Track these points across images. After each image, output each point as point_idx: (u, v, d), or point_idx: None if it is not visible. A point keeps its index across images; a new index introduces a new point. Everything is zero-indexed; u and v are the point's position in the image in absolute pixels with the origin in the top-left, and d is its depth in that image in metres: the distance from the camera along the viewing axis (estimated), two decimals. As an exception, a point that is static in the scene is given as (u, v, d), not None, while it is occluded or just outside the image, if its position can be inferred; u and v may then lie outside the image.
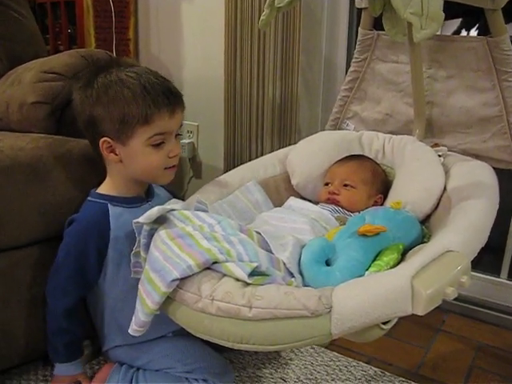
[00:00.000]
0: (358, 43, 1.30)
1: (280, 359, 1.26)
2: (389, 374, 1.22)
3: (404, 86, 1.26)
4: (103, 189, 1.07)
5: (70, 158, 1.13)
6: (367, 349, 1.32)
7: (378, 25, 1.21)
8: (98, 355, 1.21)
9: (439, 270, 0.70)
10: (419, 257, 0.72)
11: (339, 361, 1.27)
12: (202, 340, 1.01)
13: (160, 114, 0.95)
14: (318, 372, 1.22)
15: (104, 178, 1.08)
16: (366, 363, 1.26)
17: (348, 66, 1.41)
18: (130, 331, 0.80)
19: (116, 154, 1.00)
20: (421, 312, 0.65)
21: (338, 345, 1.32)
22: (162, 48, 1.93)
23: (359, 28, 1.29)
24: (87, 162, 1.14)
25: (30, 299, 1.10)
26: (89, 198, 1.06)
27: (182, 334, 1.07)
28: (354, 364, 1.26)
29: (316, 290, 0.70)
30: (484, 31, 1.13)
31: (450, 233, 0.79)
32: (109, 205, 1.03)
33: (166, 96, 0.96)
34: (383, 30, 1.13)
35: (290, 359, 1.26)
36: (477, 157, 1.13)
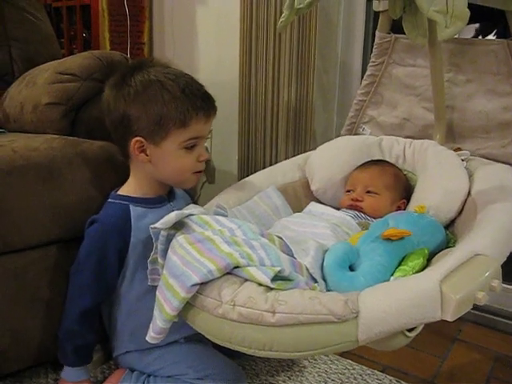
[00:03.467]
0: (375, 46, 1.29)
1: (294, 366, 1.24)
2: (404, 382, 1.20)
3: (422, 90, 1.25)
4: (124, 190, 1.06)
5: (83, 159, 1.12)
6: (382, 357, 1.29)
7: (395, 28, 1.21)
8: (109, 360, 1.19)
9: (468, 273, 0.67)
10: (447, 261, 0.70)
11: (354, 369, 1.24)
12: (214, 346, 1.01)
13: (198, 118, 0.96)
14: (333, 380, 1.20)
15: (119, 179, 1.07)
16: (381, 372, 1.24)
17: (364, 70, 1.41)
18: (147, 338, 0.79)
19: (146, 155, 0.99)
20: (450, 318, 0.63)
21: (353, 353, 1.29)
22: (177, 52, 1.93)
23: (376, 31, 1.28)
24: (101, 163, 1.14)
25: (43, 300, 1.09)
26: (109, 200, 1.05)
27: (194, 339, 1.06)
28: (369, 372, 1.23)
29: (341, 295, 0.68)
30: (503, 37, 1.12)
31: (477, 236, 0.77)
32: (130, 205, 1.02)
33: (203, 101, 0.97)
34: (400, 33, 1.12)
35: (304, 366, 1.24)
36: (496, 162, 1.12)
